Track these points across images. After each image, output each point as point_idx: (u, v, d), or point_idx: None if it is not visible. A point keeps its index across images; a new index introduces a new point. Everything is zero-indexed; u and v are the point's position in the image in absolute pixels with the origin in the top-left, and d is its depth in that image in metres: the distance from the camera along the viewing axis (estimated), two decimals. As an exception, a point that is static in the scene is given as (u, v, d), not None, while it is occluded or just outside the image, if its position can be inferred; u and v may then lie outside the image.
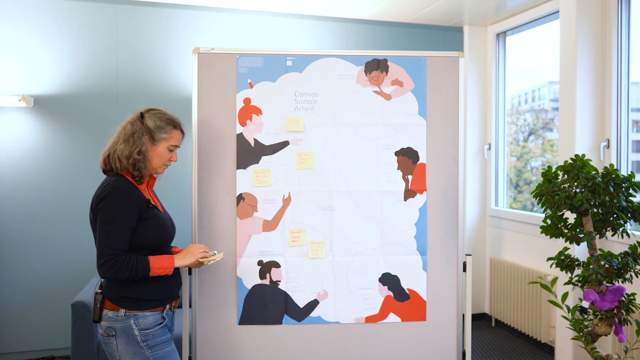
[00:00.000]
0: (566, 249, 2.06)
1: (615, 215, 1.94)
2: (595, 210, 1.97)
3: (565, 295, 1.90)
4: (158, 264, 1.86)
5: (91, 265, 3.65)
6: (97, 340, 2.92)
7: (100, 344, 2.91)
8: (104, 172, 1.93)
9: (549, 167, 2.04)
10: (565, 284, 2.02)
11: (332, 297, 2.36)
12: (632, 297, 1.90)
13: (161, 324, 1.90)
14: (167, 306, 1.95)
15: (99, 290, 1.89)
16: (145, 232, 1.86)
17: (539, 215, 3.81)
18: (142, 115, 1.96)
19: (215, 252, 2.13)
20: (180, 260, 1.95)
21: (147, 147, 1.93)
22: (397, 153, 2.40)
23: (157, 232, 1.91)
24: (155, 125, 1.95)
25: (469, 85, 4.38)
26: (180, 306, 3.31)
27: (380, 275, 2.39)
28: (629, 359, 2.64)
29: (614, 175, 1.92)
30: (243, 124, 2.34)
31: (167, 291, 1.93)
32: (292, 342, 2.34)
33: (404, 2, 3.85)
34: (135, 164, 1.88)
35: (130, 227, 1.83)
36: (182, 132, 2.04)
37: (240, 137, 2.34)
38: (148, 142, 1.94)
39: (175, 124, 2.00)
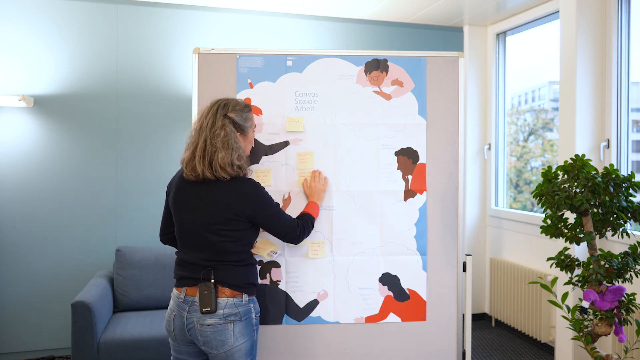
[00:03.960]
0: (566, 249, 2.06)
1: (615, 215, 1.94)
2: (595, 210, 1.97)
3: (565, 295, 1.90)
4: (315, 212, 2.20)
5: (91, 265, 3.65)
6: (97, 340, 2.91)
7: (100, 344, 2.91)
8: (207, 180, 1.89)
9: (549, 167, 2.04)
10: (565, 284, 2.02)
11: (332, 297, 2.36)
12: (632, 297, 1.90)
13: None
14: None
15: (212, 280, 1.88)
16: None
17: (539, 215, 3.81)
18: (226, 116, 1.92)
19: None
20: (319, 201, 2.26)
21: (240, 144, 1.93)
22: (397, 153, 2.40)
23: None
24: (242, 118, 1.97)
25: (469, 85, 4.38)
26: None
27: (380, 275, 2.38)
28: (629, 359, 2.64)
29: (614, 175, 1.92)
30: (243, 124, 2.34)
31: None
32: (292, 342, 2.34)
33: (404, 2, 3.85)
34: (241, 168, 1.91)
35: None
36: None
37: (240, 137, 2.34)
38: (240, 137, 1.96)
39: (250, 108, 2.03)
